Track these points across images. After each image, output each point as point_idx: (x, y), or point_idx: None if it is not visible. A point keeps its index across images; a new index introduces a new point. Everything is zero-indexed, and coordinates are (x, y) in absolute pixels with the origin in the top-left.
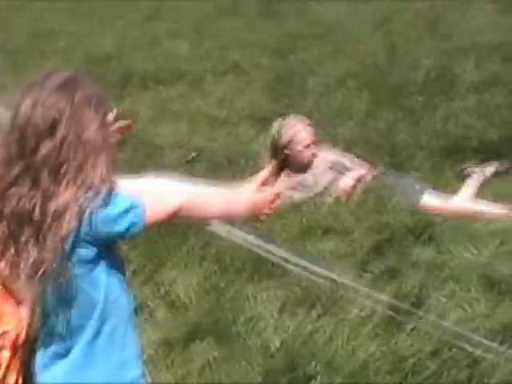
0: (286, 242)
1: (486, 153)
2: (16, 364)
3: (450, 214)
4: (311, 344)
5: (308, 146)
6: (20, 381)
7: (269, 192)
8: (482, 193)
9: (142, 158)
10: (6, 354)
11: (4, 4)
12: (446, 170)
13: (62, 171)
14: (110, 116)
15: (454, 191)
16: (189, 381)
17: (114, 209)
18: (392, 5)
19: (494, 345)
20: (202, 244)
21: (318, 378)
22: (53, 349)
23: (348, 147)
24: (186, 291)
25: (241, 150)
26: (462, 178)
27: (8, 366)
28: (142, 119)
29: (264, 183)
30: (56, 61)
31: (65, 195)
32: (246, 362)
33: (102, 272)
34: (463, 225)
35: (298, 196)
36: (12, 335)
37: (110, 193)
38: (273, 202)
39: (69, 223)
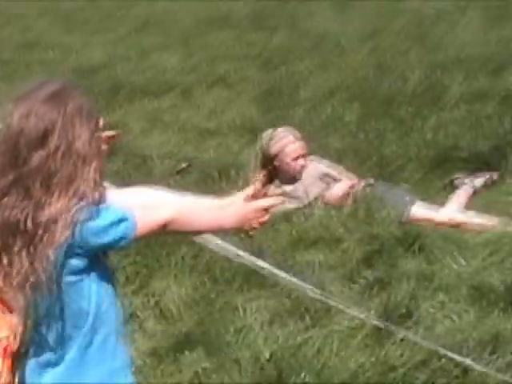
0: (275, 253)
1: (475, 164)
2: (7, 372)
3: (440, 225)
4: (301, 355)
5: (297, 158)
6: None
7: (258, 205)
8: (471, 204)
9: (132, 168)
10: None
11: None
12: (436, 181)
13: (54, 181)
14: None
15: (444, 202)
16: None
17: (105, 220)
18: (381, 17)
19: (484, 355)
20: (193, 254)
21: None
22: (44, 358)
23: (338, 158)
24: (176, 302)
25: (231, 161)
26: (452, 189)
27: None
28: (132, 131)
29: (254, 196)
30: (44, 72)
31: (56, 206)
32: (236, 373)
33: (92, 282)
34: (452, 236)
35: (287, 207)
36: (4, 343)
37: (101, 204)
38: (261, 216)
39: (60, 234)
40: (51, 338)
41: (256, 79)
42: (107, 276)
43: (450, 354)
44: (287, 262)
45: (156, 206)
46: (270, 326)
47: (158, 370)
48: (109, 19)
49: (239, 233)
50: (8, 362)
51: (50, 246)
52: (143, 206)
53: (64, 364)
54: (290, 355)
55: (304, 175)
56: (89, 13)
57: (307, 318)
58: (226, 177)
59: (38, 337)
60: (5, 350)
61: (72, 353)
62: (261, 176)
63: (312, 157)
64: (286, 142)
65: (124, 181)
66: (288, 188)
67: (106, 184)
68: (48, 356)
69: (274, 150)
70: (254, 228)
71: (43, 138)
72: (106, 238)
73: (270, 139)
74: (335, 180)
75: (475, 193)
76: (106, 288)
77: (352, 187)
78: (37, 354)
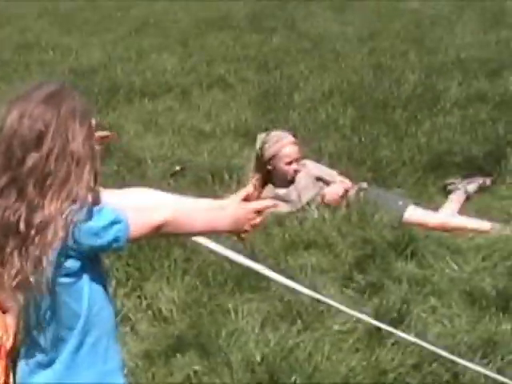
0: (268, 256)
1: (469, 169)
2: (2, 372)
3: (433, 229)
4: (292, 358)
5: (290, 162)
6: None
7: (250, 208)
8: (464, 209)
9: (127, 171)
10: None
11: None
12: (429, 186)
13: (48, 183)
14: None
15: (437, 207)
16: None
17: (98, 222)
18: (380, 19)
19: (475, 360)
20: (185, 257)
21: None
22: (36, 359)
23: (332, 162)
24: (169, 304)
25: (225, 164)
26: (445, 193)
27: None
28: (128, 132)
29: (247, 198)
30: (42, 73)
31: (50, 208)
32: (228, 375)
33: (85, 284)
34: (445, 240)
35: (280, 210)
36: None
37: (95, 206)
38: (253, 218)
39: (53, 236)
40: (43, 339)
41: (253, 81)
42: (100, 278)
43: (441, 359)
44: (280, 265)
45: (150, 208)
46: (262, 329)
47: (150, 373)
48: (108, 20)
49: (232, 235)
50: (2, 362)
51: (42, 248)
52: (137, 207)
53: (55, 365)
54: (281, 358)
55: (297, 179)
56: (88, 13)
57: (299, 321)
58: (219, 180)
59: (30, 338)
60: None
61: (63, 354)
62: (254, 179)
63: (306, 161)
64: (279, 146)
65: (118, 183)
66: (281, 192)
67: (100, 186)
68: (40, 357)
69: (267, 153)
70: (247, 231)
71: (37, 139)
72: (99, 241)
73: (264, 143)
74: (328, 184)
75: (468, 198)
76: (99, 290)
77: (347, 190)
78: (28, 356)
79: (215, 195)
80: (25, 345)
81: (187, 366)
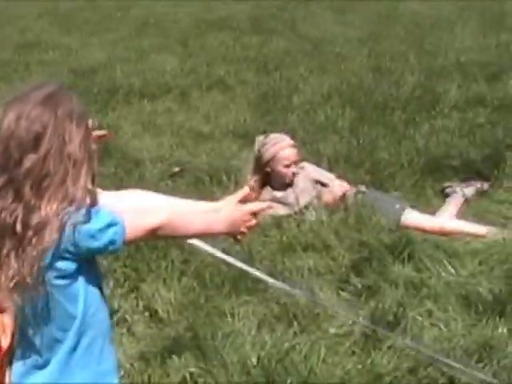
0: (265, 258)
1: (467, 172)
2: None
3: (430, 232)
4: (288, 361)
5: (289, 165)
6: None
7: (246, 210)
8: (461, 212)
9: (125, 172)
10: None
11: None
12: (427, 189)
13: (45, 185)
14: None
15: (435, 210)
16: None
17: (95, 224)
18: (378, 22)
19: (470, 364)
20: (183, 259)
21: None
22: (31, 360)
23: (330, 165)
24: (165, 306)
25: (223, 165)
26: (443, 196)
27: None
28: (126, 133)
29: (244, 200)
30: (42, 73)
31: (46, 209)
32: (223, 377)
33: (80, 286)
34: (442, 244)
35: (278, 213)
36: None
37: (91, 208)
38: (249, 220)
39: (50, 237)
40: (38, 340)
41: (253, 83)
42: (95, 280)
43: (436, 363)
44: (277, 267)
45: (146, 211)
46: (258, 331)
47: (146, 374)
48: (108, 20)
49: (228, 237)
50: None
51: (38, 249)
52: (134, 210)
53: (50, 366)
54: (277, 361)
55: (296, 182)
56: (88, 13)
57: (295, 323)
58: (217, 182)
59: (25, 339)
60: None
61: (59, 355)
62: (252, 181)
63: (304, 163)
64: (278, 148)
65: (116, 184)
66: (279, 194)
67: (97, 188)
68: (35, 358)
69: (266, 156)
70: (243, 232)
71: (34, 141)
72: (96, 243)
73: (263, 145)
74: (326, 187)
75: (466, 201)
76: (94, 292)
77: (344, 193)
78: (24, 356)
79: (213, 197)
80: (20, 346)
81: (183, 367)
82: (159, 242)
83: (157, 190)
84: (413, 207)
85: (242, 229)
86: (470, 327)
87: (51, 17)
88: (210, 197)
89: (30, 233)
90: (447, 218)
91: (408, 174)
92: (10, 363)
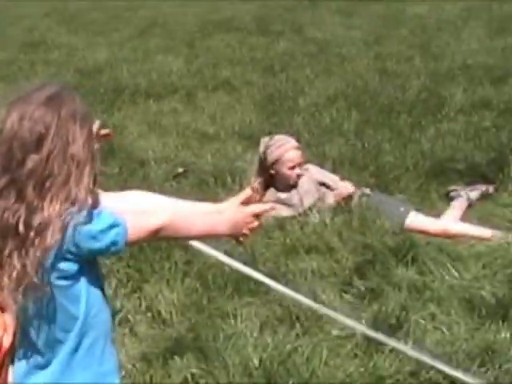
0: (269, 260)
1: (472, 176)
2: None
3: (434, 235)
4: (290, 363)
5: (293, 167)
6: None
7: (249, 212)
8: (466, 216)
9: (129, 172)
10: None
11: None
12: (432, 192)
13: (47, 185)
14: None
15: (439, 213)
16: None
17: (97, 226)
18: (385, 25)
19: (473, 368)
20: (186, 260)
21: None
22: (33, 360)
23: (335, 167)
24: (168, 307)
25: (227, 166)
26: (448, 200)
27: None
28: (132, 133)
29: (247, 201)
30: (47, 73)
31: (49, 210)
32: (225, 379)
33: (82, 287)
34: (446, 247)
35: (282, 214)
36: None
37: (93, 209)
38: (251, 222)
39: (52, 238)
40: (40, 341)
41: (258, 84)
42: (97, 281)
43: (438, 366)
44: (280, 269)
45: (148, 212)
46: (261, 333)
47: (148, 375)
48: (115, 20)
49: (230, 239)
50: (2, 361)
51: (41, 250)
52: (136, 211)
53: (52, 367)
54: (279, 363)
55: (300, 183)
56: (95, 13)
57: (297, 326)
58: (222, 183)
59: (27, 339)
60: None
61: (60, 356)
62: (256, 183)
63: (309, 165)
64: (282, 150)
65: (120, 184)
66: (283, 196)
67: (100, 188)
68: (36, 358)
69: (270, 158)
70: (245, 234)
71: (37, 141)
72: (97, 244)
73: (268, 147)
74: (331, 189)
75: (471, 205)
76: (96, 293)
77: (350, 195)
78: (25, 357)
79: (217, 198)
80: (22, 346)
81: (185, 368)
82: (162, 242)
83: (161, 190)
84: (417, 210)
85: (245, 231)
86: (472, 331)
87: (59, 16)
88: (214, 198)
89: (33, 233)
90: (452, 222)
91: (413, 178)
92: (12, 363)
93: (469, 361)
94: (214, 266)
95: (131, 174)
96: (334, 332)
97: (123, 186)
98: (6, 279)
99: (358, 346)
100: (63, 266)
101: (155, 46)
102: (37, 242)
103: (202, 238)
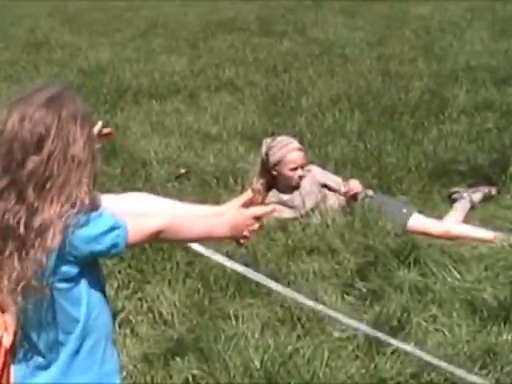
0: (271, 261)
1: (474, 177)
2: (3, 371)
3: (437, 237)
4: (291, 364)
5: (295, 168)
6: None
7: (249, 214)
8: (468, 217)
9: (131, 173)
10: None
11: (2, 14)
12: (434, 194)
13: (47, 187)
14: (95, 130)
15: (442, 215)
16: None
17: (97, 228)
18: (388, 26)
19: (474, 370)
20: (187, 261)
21: None
22: (34, 361)
23: (337, 168)
24: (169, 308)
25: (230, 167)
26: (450, 202)
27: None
28: (135, 134)
29: (248, 203)
30: (50, 73)
31: (49, 211)
32: (226, 380)
33: (83, 290)
34: (448, 249)
35: (284, 216)
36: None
37: (94, 211)
38: (252, 224)
39: (52, 239)
40: (41, 342)
41: (261, 84)
42: (98, 283)
43: (440, 368)
44: (282, 271)
45: (149, 214)
46: (262, 334)
47: (149, 376)
48: (118, 20)
49: (231, 241)
50: (1, 360)
51: (41, 252)
52: (136, 213)
53: (53, 369)
54: (280, 364)
55: (302, 185)
56: (98, 13)
57: (299, 327)
58: (224, 184)
59: (28, 341)
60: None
61: (62, 358)
62: (258, 184)
63: (311, 166)
64: (285, 151)
65: (123, 185)
66: (285, 197)
67: (101, 190)
68: (37, 360)
69: (272, 159)
70: (245, 236)
71: (38, 143)
72: (98, 247)
73: (270, 148)
74: (333, 191)
75: (473, 207)
76: (97, 295)
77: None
78: (26, 358)
79: (219, 199)
80: (23, 347)
81: (186, 369)
82: (164, 243)
83: (163, 191)
84: (420, 212)
85: (245, 233)
86: (474, 333)
87: (61, 16)
88: (216, 199)
89: (33, 235)
90: (454, 223)
91: (415, 179)
92: (13, 363)
93: (470, 363)
94: (216, 266)
95: (133, 174)
96: (336, 333)
97: (125, 187)
98: (5, 281)
99: (359, 348)
100: (64, 268)
101: (158, 46)
102: (37, 243)
103: (202, 240)
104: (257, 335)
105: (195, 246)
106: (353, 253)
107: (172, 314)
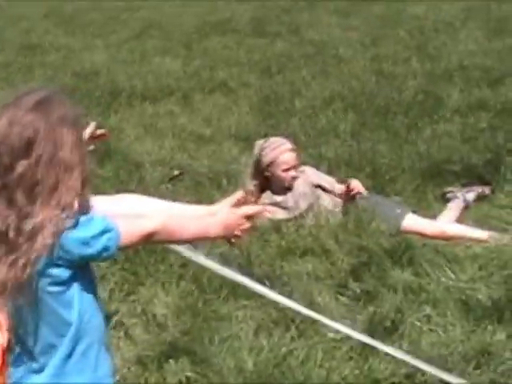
0: (264, 263)
1: (468, 177)
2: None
3: (431, 237)
4: (285, 366)
5: (288, 169)
6: None
7: (241, 213)
8: (462, 217)
9: (125, 175)
10: None
11: None
12: (428, 194)
13: (37, 191)
14: (87, 132)
15: (436, 215)
16: None
17: (88, 231)
18: (382, 26)
19: (468, 370)
20: (181, 263)
21: None
22: (27, 365)
23: (331, 169)
24: (163, 310)
25: (223, 169)
26: (444, 201)
27: None
28: (128, 136)
29: (241, 203)
30: (44, 75)
31: (39, 215)
32: (220, 382)
33: (75, 293)
34: (443, 249)
35: (278, 217)
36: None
37: (85, 214)
38: (243, 224)
39: (42, 243)
40: (34, 345)
41: (255, 86)
42: (90, 286)
43: (434, 369)
44: (275, 272)
45: (141, 216)
46: (256, 336)
47: (143, 379)
48: (112, 22)
49: (223, 241)
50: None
51: (31, 255)
52: (129, 215)
53: (46, 372)
54: (274, 366)
55: (295, 186)
56: (93, 15)
57: (293, 328)
58: (217, 185)
59: (21, 344)
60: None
61: (54, 361)
62: (252, 186)
63: (305, 167)
64: (277, 152)
65: (116, 187)
66: (279, 198)
67: (93, 192)
68: (30, 363)
69: (265, 160)
70: (237, 236)
71: (27, 146)
72: (89, 250)
73: (262, 149)
74: (327, 191)
75: (467, 206)
76: (89, 298)
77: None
78: (19, 361)
79: (213, 200)
80: (16, 350)
81: (180, 371)
82: (157, 245)
83: (157, 193)
84: (414, 212)
85: (237, 232)
86: (468, 333)
87: (57, 17)
88: (210, 201)
89: (23, 239)
90: (448, 223)
91: (409, 179)
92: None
93: (464, 363)
94: (209, 268)
95: (127, 176)
96: (330, 334)
97: (119, 189)
98: None
99: (353, 349)
100: (55, 271)
101: (152, 47)
102: (27, 247)
103: (195, 240)
104: (251, 337)
105: (188, 253)
106: (347, 253)
107: (166, 317)
